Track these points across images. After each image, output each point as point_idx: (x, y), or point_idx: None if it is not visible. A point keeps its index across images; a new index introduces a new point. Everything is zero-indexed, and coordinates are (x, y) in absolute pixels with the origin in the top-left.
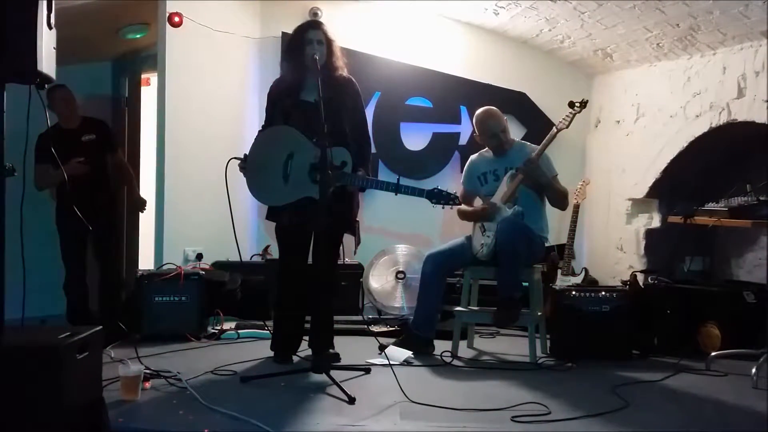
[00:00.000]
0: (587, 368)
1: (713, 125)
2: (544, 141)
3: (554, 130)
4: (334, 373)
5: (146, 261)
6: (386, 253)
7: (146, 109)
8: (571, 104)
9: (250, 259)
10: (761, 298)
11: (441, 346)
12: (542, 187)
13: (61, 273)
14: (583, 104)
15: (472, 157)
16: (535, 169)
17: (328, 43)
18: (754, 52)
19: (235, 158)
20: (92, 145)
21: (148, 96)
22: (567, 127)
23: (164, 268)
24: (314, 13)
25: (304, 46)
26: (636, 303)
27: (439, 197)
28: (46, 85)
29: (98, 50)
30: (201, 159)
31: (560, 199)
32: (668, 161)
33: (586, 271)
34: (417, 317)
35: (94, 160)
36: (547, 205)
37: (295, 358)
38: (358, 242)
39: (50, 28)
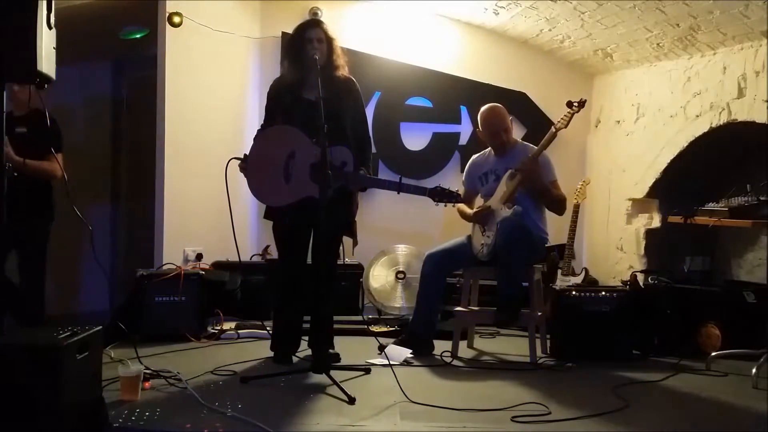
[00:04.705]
0: (587, 368)
1: (713, 125)
2: (542, 141)
3: (553, 129)
4: (334, 373)
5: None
6: (386, 253)
7: None
8: (570, 104)
9: (250, 259)
10: (761, 298)
11: (441, 346)
12: (539, 192)
13: None
14: (581, 104)
15: (474, 157)
16: (534, 168)
17: (329, 41)
18: (754, 52)
19: (235, 158)
20: (20, 141)
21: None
22: (565, 126)
23: (164, 268)
24: (314, 12)
25: (304, 45)
26: (636, 303)
27: (442, 195)
28: (45, 86)
29: (98, 50)
30: (201, 159)
31: (557, 205)
32: (668, 161)
33: (586, 271)
34: (417, 317)
35: (21, 156)
36: None
37: (295, 358)
38: (355, 243)
39: (50, 28)
